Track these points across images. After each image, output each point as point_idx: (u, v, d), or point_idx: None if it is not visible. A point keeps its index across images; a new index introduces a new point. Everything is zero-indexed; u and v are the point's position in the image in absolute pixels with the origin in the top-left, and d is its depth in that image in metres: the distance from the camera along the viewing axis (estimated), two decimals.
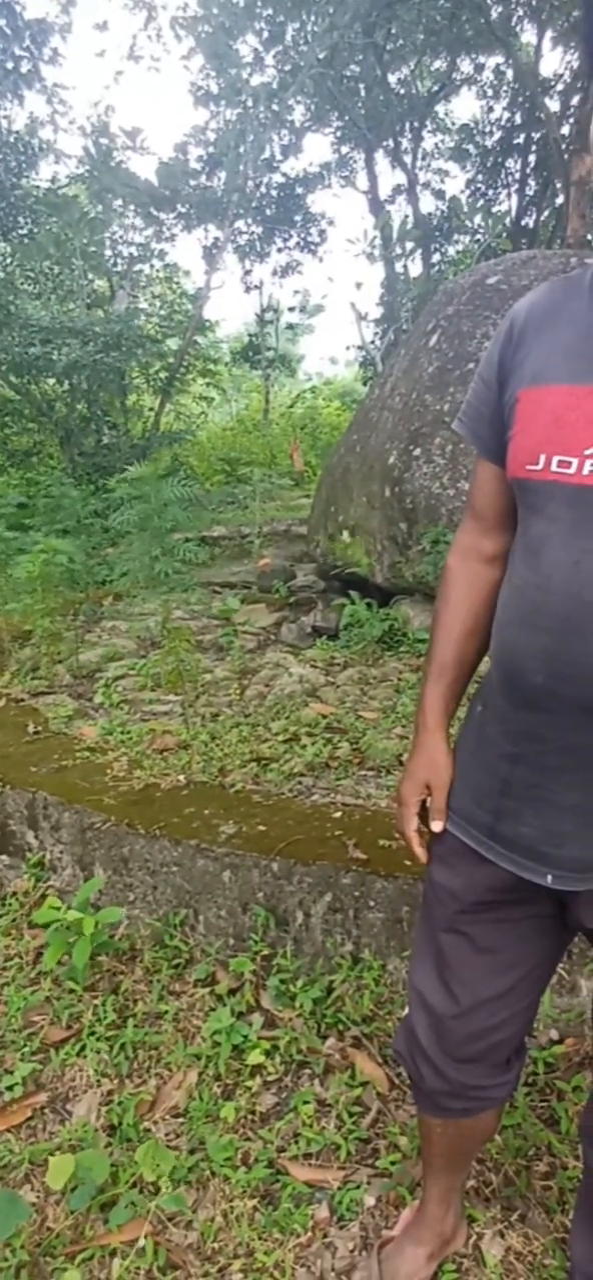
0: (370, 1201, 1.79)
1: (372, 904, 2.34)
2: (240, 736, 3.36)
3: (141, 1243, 1.61)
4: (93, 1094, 2.06)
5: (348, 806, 2.76)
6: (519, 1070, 1.49)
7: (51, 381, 10.54)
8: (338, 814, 2.68)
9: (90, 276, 13.47)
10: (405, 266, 17.02)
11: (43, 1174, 1.82)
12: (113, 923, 2.49)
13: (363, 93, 16.07)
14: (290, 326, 23.72)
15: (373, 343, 16.71)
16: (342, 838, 2.51)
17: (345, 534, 5.46)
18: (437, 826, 1.37)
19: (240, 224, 16.23)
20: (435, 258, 17.35)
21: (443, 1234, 1.63)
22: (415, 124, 16.70)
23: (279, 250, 18.01)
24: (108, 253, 14.11)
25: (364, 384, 18.71)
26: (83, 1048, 2.19)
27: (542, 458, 1.14)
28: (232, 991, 2.34)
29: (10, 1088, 2.07)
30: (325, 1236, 1.72)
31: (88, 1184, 1.73)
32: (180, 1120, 1.98)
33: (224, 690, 3.99)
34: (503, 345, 1.27)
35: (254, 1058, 2.11)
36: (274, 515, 9.22)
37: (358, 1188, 1.81)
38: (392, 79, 16.01)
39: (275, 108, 14.00)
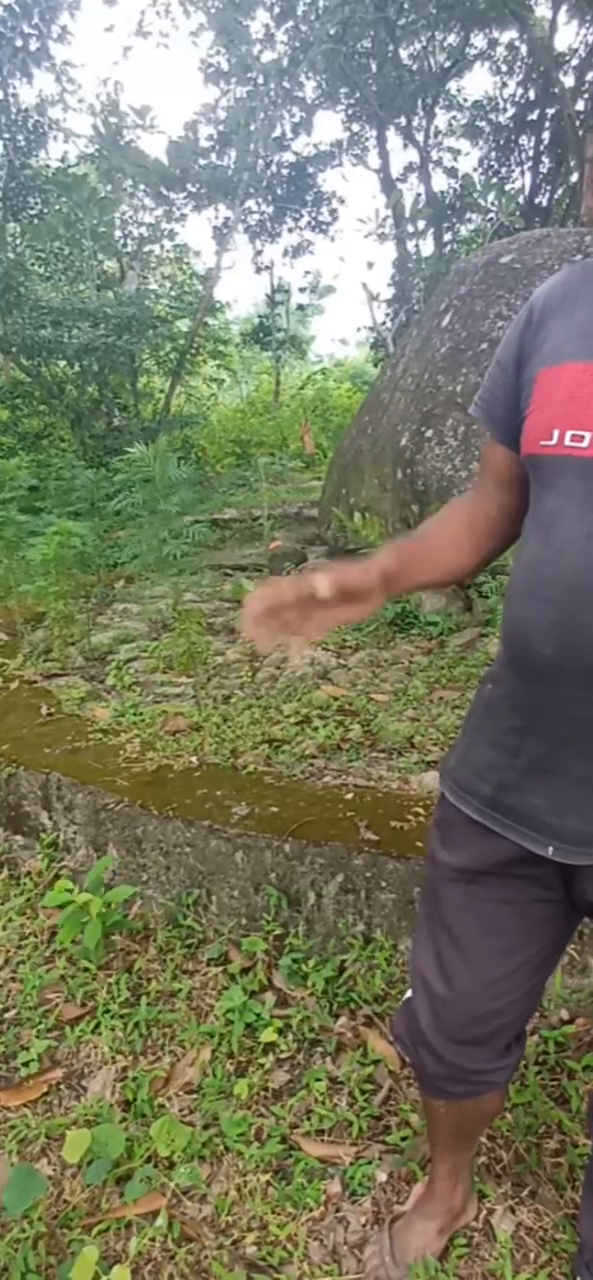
0: (382, 1177, 1.81)
1: (383, 885, 2.36)
2: (252, 718, 3.37)
3: (160, 1221, 1.64)
4: (108, 1070, 2.09)
5: (360, 788, 2.78)
6: (520, 1055, 1.50)
7: (62, 364, 10.53)
8: (350, 795, 2.69)
9: (100, 257, 13.43)
10: (417, 246, 16.90)
11: (59, 1148, 1.85)
12: (126, 902, 2.51)
13: (374, 69, 15.89)
14: (301, 307, 23.59)
15: (384, 323, 16.61)
16: (353, 819, 2.52)
17: (357, 516, 5.46)
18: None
19: (251, 204, 16.14)
20: (448, 237, 17.18)
21: (453, 1209, 1.65)
22: (428, 100, 16.51)
23: (290, 230, 17.91)
24: (117, 233, 14.06)
25: (375, 365, 18.62)
26: (97, 1025, 2.22)
27: (555, 433, 1.16)
28: (244, 970, 2.36)
29: (26, 1064, 2.10)
30: (338, 1211, 1.74)
31: (103, 1158, 1.75)
32: (194, 1096, 2.01)
33: (236, 672, 4.01)
34: (523, 329, 1.30)
35: (267, 1036, 2.13)
36: (285, 498, 9.23)
37: (370, 1164, 1.83)
38: (404, 54, 15.81)
39: (286, 84, 13.90)
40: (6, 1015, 2.27)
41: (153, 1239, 1.65)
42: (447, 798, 1.38)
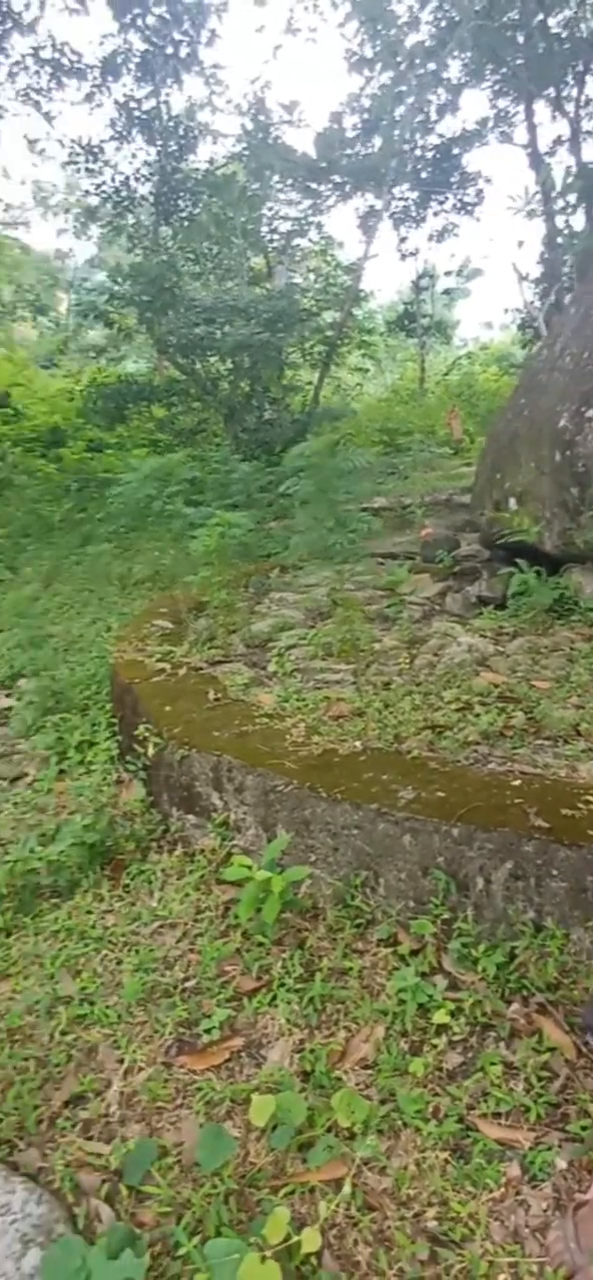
0: (562, 1165, 1.80)
1: (555, 873, 2.33)
2: (413, 704, 3.39)
3: (347, 1188, 1.69)
4: (285, 1042, 2.16)
5: (526, 775, 2.75)
6: None
7: (215, 360, 10.82)
8: (517, 782, 2.66)
9: (249, 254, 13.71)
10: (568, 221, 16.30)
11: (243, 1112, 1.94)
12: (296, 881, 2.58)
13: (522, 41, 15.42)
14: (446, 292, 23.28)
15: (533, 303, 16.15)
16: (522, 806, 2.50)
17: (512, 501, 5.35)
18: None
19: (395, 190, 16.03)
20: None
21: None
22: (579, 69, 15.87)
23: (435, 214, 17.65)
24: (264, 229, 14.31)
25: (523, 347, 18.14)
26: (274, 998, 2.30)
27: None
28: (414, 952, 2.38)
29: (208, 1030, 2.20)
30: (518, 1194, 1.74)
31: (287, 1125, 1.82)
32: (369, 1072, 2.05)
33: (393, 659, 4.03)
34: None
35: (439, 1017, 2.15)
36: (435, 485, 9.15)
37: (549, 1150, 1.82)
38: (552, 22, 15.26)
39: (432, 66, 13.70)
40: (188, 984, 2.39)
41: (337, 1205, 1.70)
42: None
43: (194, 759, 3.08)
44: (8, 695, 4.68)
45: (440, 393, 18.13)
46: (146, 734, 3.31)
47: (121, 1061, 2.13)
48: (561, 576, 4.76)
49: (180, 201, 14.12)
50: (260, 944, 2.49)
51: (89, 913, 2.74)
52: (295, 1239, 1.56)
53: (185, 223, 13.87)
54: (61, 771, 3.73)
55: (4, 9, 12.83)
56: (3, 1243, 1.57)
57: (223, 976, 2.41)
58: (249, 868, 2.48)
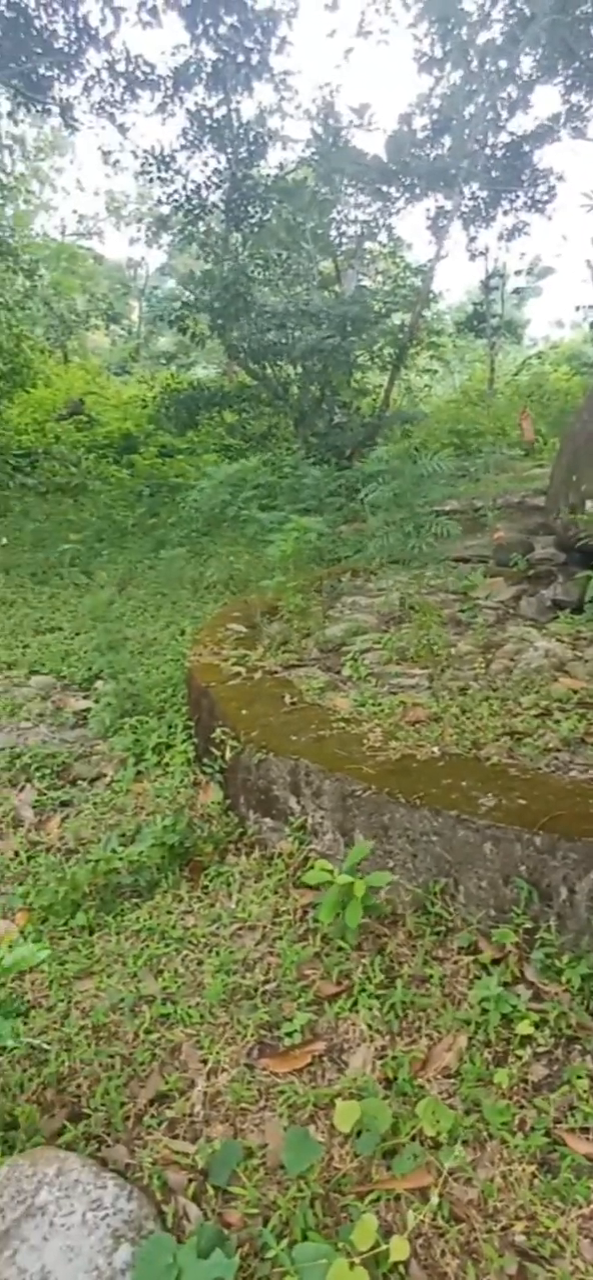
0: None
1: None
2: (491, 710, 3.35)
3: (435, 1199, 1.68)
4: (366, 1048, 2.16)
5: None
6: None
7: (284, 365, 10.87)
8: None
9: (318, 259, 13.74)
10: None
11: (326, 1116, 1.94)
12: (376, 887, 2.58)
13: None
14: (516, 291, 22.94)
15: None
16: None
17: (589, 503, 5.25)
18: None
19: (465, 189, 15.88)
20: None
21: None
22: None
23: (505, 213, 17.42)
24: (333, 233, 14.33)
25: None
26: (355, 1003, 2.29)
27: None
28: (495, 961, 2.36)
29: (290, 1034, 2.21)
30: None
31: (372, 1131, 1.82)
32: (452, 1081, 2.04)
33: (469, 664, 3.99)
34: None
35: (523, 1028, 2.12)
36: (506, 487, 9.03)
37: None
38: None
39: (503, 63, 13.54)
40: (268, 987, 2.40)
41: (423, 1214, 1.69)
42: None
43: (271, 763, 3.10)
44: (86, 697, 4.78)
45: (510, 393, 17.90)
46: (223, 737, 3.34)
47: (205, 1062, 2.15)
48: None
49: (250, 208, 14.24)
50: (340, 949, 2.49)
51: (169, 913, 2.78)
52: (383, 1247, 1.55)
53: (255, 229, 13.98)
54: (139, 773, 3.79)
55: (80, 25, 13.11)
56: (94, 1237, 1.60)
57: (303, 980, 2.42)
58: (330, 872, 2.48)
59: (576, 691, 3.50)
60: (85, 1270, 1.55)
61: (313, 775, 2.95)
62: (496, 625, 4.71)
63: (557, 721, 3.22)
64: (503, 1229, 1.69)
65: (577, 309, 22.57)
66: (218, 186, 14.41)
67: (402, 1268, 1.59)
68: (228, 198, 14.08)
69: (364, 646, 4.27)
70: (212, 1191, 1.79)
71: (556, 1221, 1.68)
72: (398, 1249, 1.55)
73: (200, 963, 2.53)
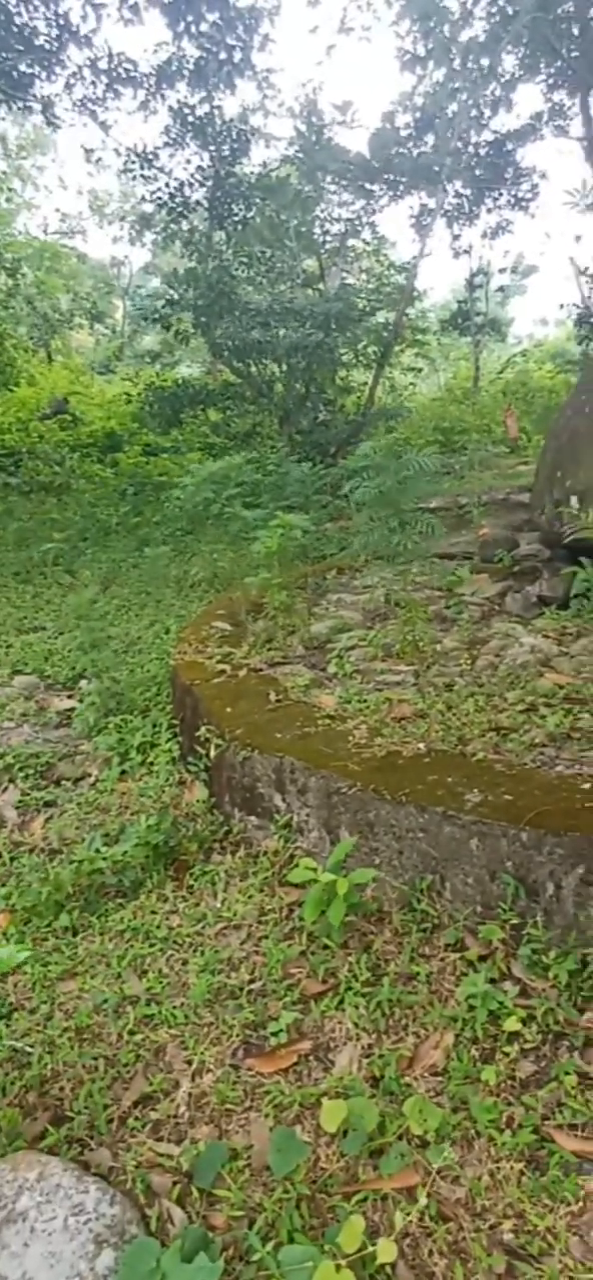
0: None
1: None
2: (477, 706, 3.34)
3: (422, 1199, 1.66)
4: (353, 1046, 2.14)
5: None
6: None
7: (268, 363, 10.85)
8: (587, 785, 2.60)
9: (302, 256, 13.73)
10: None
11: (312, 1116, 1.92)
12: (361, 884, 2.56)
13: (577, 33, 15.17)
14: (500, 289, 23.02)
15: (591, 298, 15.90)
16: None
17: (574, 499, 5.26)
18: None
19: (448, 187, 15.91)
20: None
21: None
22: None
23: (489, 211, 17.48)
24: (317, 231, 14.32)
25: (579, 343, 17.86)
26: (341, 1002, 2.28)
27: None
28: (482, 958, 2.34)
29: (276, 1033, 2.19)
30: None
31: (359, 1131, 1.80)
32: (439, 1079, 2.02)
33: (454, 660, 3.98)
34: None
35: (511, 1024, 2.11)
36: (491, 484, 9.04)
37: None
38: None
39: (486, 61, 13.57)
40: (253, 986, 2.38)
41: (409, 1213, 1.67)
42: None
43: (256, 760, 3.07)
44: (70, 697, 4.74)
45: (495, 391, 17.94)
46: (208, 735, 3.32)
47: (189, 1063, 2.13)
48: None
49: (234, 206, 14.21)
50: (326, 947, 2.48)
51: (154, 913, 2.75)
52: (370, 1249, 1.54)
53: (239, 227, 13.95)
54: (123, 772, 3.76)
55: (61, 23, 13.04)
56: (76, 1242, 1.57)
57: (288, 979, 2.39)
58: (314, 870, 2.46)
59: (561, 687, 3.50)
60: (67, 1276, 1.52)
61: (298, 773, 2.93)
62: (481, 621, 4.70)
63: (543, 717, 3.21)
64: (491, 1227, 1.67)
65: (561, 307, 22.66)
66: (201, 184, 14.38)
67: (389, 1269, 1.57)
68: (211, 195, 14.05)
69: (349, 643, 4.26)
70: (196, 1194, 1.76)
71: (544, 1219, 1.67)
72: (385, 1251, 1.53)
73: (185, 962, 2.50)
